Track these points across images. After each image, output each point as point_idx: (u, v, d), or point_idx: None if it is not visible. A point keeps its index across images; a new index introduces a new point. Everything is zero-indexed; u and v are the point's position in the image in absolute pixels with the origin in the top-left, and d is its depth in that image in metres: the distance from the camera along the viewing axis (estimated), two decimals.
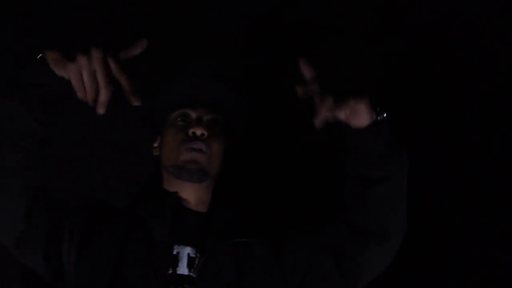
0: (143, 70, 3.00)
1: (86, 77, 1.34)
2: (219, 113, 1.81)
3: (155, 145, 1.91)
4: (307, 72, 1.43)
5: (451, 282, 2.83)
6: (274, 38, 2.78)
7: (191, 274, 1.58)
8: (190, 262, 1.60)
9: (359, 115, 1.48)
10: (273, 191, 2.69)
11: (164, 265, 1.58)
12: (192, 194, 1.80)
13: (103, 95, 1.34)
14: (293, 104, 2.79)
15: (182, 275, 1.57)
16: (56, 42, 2.85)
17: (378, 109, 1.53)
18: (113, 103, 1.42)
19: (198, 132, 1.71)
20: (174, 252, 1.62)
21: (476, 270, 2.79)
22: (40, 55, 1.45)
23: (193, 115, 1.77)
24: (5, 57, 2.83)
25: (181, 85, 1.78)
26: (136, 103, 1.36)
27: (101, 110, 1.35)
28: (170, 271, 1.58)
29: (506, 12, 2.77)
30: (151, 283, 1.53)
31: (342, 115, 1.42)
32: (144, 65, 3.00)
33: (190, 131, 1.71)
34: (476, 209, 2.87)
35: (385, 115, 1.52)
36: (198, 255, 1.60)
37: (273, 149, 2.71)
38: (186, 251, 1.63)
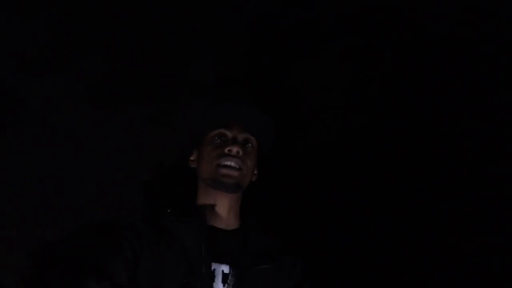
0: (147, 70, 3.01)
1: None
2: (251, 133, 2.00)
3: (192, 158, 2.10)
4: None
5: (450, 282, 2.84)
6: (276, 39, 2.79)
7: None
8: (224, 278, 1.77)
9: None
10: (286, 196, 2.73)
11: (206, 281, 1.78)
12: (225, 203, 2.01)
13: None
14: (297, 102, 2.82)
15: None
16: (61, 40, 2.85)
17: None
18: None
19: (234, 150, 1.93)
20: (212, 269, 1.76)
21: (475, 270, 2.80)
22: None
23: (229, 134, 1.99)
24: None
25: (220, 108, 1.99)
26: None
27: None
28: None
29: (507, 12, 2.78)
30: None
31: None
32: (147, 65, 3.02)
33: (227, 149, 1.93)
34: (475, 210, 2.89)
35: None
36: (231, 271, 1.76)
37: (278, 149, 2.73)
38: (221, 268, 1.78)
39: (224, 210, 1.95)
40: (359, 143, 2.99)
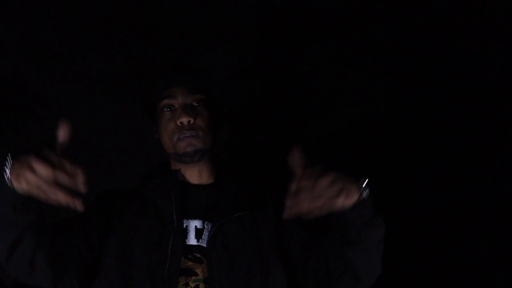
0: (160, 62, 3.04)
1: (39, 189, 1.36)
2: (199, 92, 1.91)
3: (155, 128, 2.03)
4: (296, 159, 1.45)
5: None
6: (288, 29, 2.80)
7: (200, 244, 1.64)
8: (198, 233, 1.67)
9: (347, 198, 1.52)
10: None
11: (176, 239, 1.61)
12: (195, 170, 1.92)
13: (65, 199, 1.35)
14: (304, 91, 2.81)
15: (192, 245, 1.63)
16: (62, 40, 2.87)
17: (364, 188, 1.58)
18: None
19: (185, 121, 1.81)
20: (184, 226, 1.68)
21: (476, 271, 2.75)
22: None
23: (176, 103, 1.88)
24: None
25: (160, 81, 1.92)
26: (78, 207, 1.38)
27: (78, 207, 1.38)
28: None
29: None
30: (165, 257, 1.59)
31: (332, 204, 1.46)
32: (161, 57, 3.05)
33: (178, 122, 1.83)
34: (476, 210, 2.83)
35: (368, 192, 1.56)
36: (205, 226, 1.67)
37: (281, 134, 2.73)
38: (193, 224, 1.70)
39: (194, 173, 1.87)
40: (371, 132, 2.96)
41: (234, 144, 3.16)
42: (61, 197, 1.31)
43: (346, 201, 1.45)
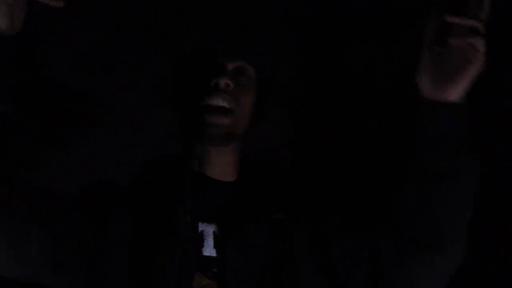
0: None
1: None
2: (246, 61, 1.50)
3: (175, 91, 1.57)
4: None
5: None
6: (341, 27, 2.72)
7: (219, 255, 1.35)
8: (217, 241, 1.36)
9: (458, 84, 1.29)
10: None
11: (189, 249, 1.32)
12: (216, 157, 1.49)
13: None
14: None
15: (209, 257, 1.35)
16: None
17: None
18: None
19: (222, 82, 1.39)
20: (198, 230, 1.38)
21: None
22: None
23: (216, 62, 1.46)
24: None
25: (213, 45, 1.54)
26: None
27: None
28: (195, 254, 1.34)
29: None
30: (177, 271, 1.29)
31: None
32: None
33: (213, 82, 1.41)
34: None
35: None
36: (224, 233, 1.37)
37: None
38: (211, 229, 1.38)
39: (214, 163, 1.48)
40: None
41: (298, 143, 3.09)
42: None
43: (451, 89, 1.23)
